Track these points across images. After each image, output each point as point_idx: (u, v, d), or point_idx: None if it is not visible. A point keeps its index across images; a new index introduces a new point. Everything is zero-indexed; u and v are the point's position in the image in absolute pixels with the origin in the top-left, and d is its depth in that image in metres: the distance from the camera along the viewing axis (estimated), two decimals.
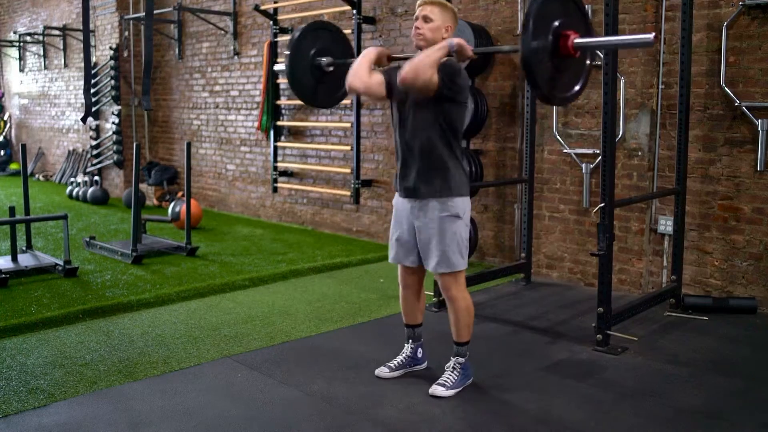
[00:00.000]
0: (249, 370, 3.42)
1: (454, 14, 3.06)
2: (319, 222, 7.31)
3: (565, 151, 5.15)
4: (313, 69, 3.51)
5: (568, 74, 2.67)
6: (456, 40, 2.91)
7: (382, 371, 3.32)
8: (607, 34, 3.55)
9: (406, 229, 3.18)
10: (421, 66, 2.84)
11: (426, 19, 3.00)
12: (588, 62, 2.74)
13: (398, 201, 3.22)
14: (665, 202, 4.72)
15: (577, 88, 2.74)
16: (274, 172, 7.68)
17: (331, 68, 3.51)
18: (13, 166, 12.67)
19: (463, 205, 3.08)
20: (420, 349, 3.40)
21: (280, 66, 3.62)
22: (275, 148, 7.65)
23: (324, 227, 7.26)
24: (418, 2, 3.05)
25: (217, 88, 8.49)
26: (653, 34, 2.50)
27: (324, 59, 3.49)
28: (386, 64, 3.24)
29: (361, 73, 3.06)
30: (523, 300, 4.77)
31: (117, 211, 8.42)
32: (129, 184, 9.18)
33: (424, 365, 3.41)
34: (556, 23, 2.61)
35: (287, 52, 3.46)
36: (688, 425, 2.84)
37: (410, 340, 3.38)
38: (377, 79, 3.11)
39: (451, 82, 2.94)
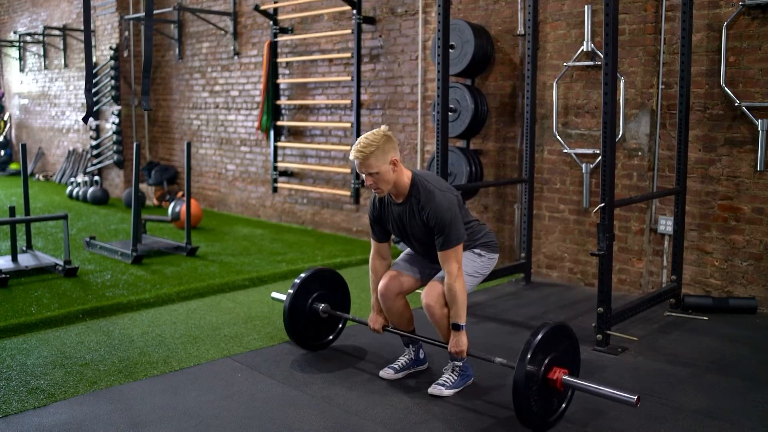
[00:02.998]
0: (249, 370, 3.42)
1: (387, 141, 2.95)
2: (319, 222, 7.31)
3: (565, 151, 5.15)
4: (310, 312, 3.64)
5: (551, 400, 2.82)
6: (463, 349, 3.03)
7: (387, 373, 3.32)
8: (606, 34, 3.54)
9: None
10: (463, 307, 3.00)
11: (369, 174, 2.96)
12: (571, 392, 2.90)
13: None
14: (665, 202, 4.72)
15: (562, 408, 2.89)
16: (274, 172, 7.68)
17: (325, 315, 3.64)
18: (13, 166, 12.67)
19: (486, 253, 3.23)
20: (421, 350, 3.40)
21: (277, 296, 3.84)
22: (275, 148, 7.65)
23: (324, 227, 7.26)
24: (351, 157, 2.98)
25: (217, 88, 8.49)
26: (637, 396, 2.59)
27: (322, 306, 3.62)
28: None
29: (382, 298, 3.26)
30: (523, 300, 4.77)
31: (117, 211, 8.42)
32: (129, 184, 9.18)
33: (426, 366, 3.42)
34: (550, 358, 2.77)
35: (290, 291, 3.59)
36: (688, 425, 2.84)
37: (410, 345, 3.38)
38: (378, 253, 3.30)
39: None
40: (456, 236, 2.95)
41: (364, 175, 2.98)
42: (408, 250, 3.35)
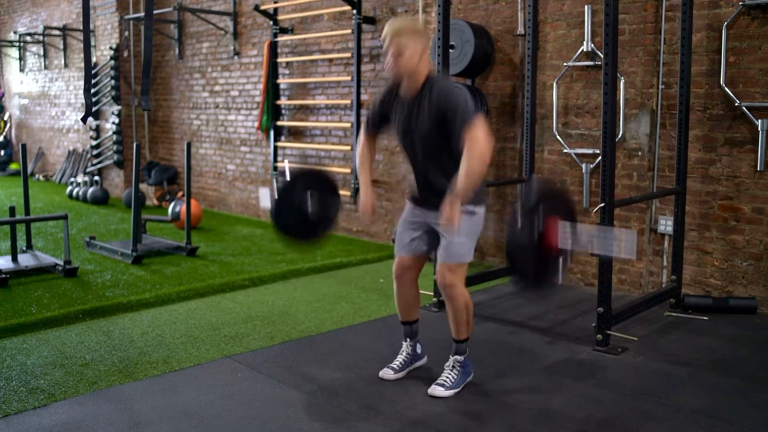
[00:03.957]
0: (249, 370, 3.42)
1: (423, 36, 2.96)
2: None
3: (565, 151, 5.15)
4: (299, 214, 3.44)
5: (551, 264, 2.71)
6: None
7: (387, 373, 3.31)
8: (606, 34, 3.54)
9: (418, 221, 3.17)
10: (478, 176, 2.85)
11: (396, 54, 2.92)
12: (570, 257, 2.79)
13: (412, 206, 3.23)
14: (665, 202, 4.72)
15: (560, 274, 2.78)
16: (274, 172, 7.67)
17: (315, 217, 3.45)
18: (13, 166, 12.67)
19: (477, 208, 3.07)
20: (418, 345, 3.40)
21: (265, 203, 3.63)
22: (275, 148, 7.65)
23: None
24: (383, 35, 2.95)
25: (217, 88, 8.49)
26: (635, 253, 2.51)
27: (311, 205, 3.42)
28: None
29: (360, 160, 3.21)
30: (523, 300, 4.77)
31: (117, 211, 8.42)
32: (129, 184, 9.18)
33: (425, 359, 3.42)
34: (544, 219, 2.64)
35: (275, 197, 3.41)
36: (688, 425, 2.84)
37: (408, 339, 3.37)
38: (366, 144, 3.23)
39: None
40: (472, 111, 2.85)
41: (389, 54, 2.93)
42: (400, 226, 3.25)
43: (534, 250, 2.58)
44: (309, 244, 3.62)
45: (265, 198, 3.59)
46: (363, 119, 3.17)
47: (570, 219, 2.75)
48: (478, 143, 2.81)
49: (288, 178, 3.41)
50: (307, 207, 3.41)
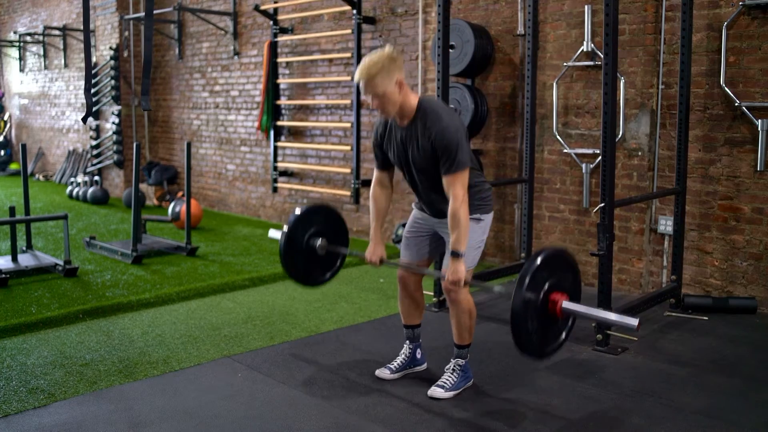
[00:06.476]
0: (249, 370, 3.42)
1: (392, 61, 2.86)
2: None
3: (565, 151, 5.15)
4: (307, 251, 3.40)
5: (552, 330, 2.69)
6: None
7: (383, 373, 3.32)
8: (606, 34, 3.55)
9: (423, 226, 3.22)
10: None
11: (375, 96, 2.86)
12: (571, 321, 2.75)
13: (418, 211, 3.26)
14: (665, 202, 4.72)
15: (561, 339, 2.74)
16: (274, 172, 7.67)
17: (323, 252, 3.40)
18: (13, 166, 12.67)
19: (484, 216, 3.11)
20: (419, 350, 3.39)
21: (274, 235, 3.58)
22: (275, 148, 7.65)
23: None
24: (356, 79, 2.89)
25: (217, 88, 8.49)
26: (638, 320, 2.51)
27: (319, 242, 3.37)
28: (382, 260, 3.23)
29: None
30: None
31: (117, 211, 8.42)
32: (129, 184, 9.18)
33: (424, 366, 3.41)
34: (548, 285, 2.61)
35: (285, 229, 3.36)
36: (688, 425, 2.84)
37: (409, 341, 3.38)
38: (380, 181, 3.23)
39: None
40: (463, 160, 2.84)
41: (369, 98, 2.89)
42: (407, 232, 3.28)
43: (537, 323, 2.60)
44: (315, 283, 3.55)
45: (274, 234, 3.55)
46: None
47: (575, 290, 2.74)
48: (455, 199, 2.85)
49: (297, 214, 3.38)
50: (315, 243, 3.37)
